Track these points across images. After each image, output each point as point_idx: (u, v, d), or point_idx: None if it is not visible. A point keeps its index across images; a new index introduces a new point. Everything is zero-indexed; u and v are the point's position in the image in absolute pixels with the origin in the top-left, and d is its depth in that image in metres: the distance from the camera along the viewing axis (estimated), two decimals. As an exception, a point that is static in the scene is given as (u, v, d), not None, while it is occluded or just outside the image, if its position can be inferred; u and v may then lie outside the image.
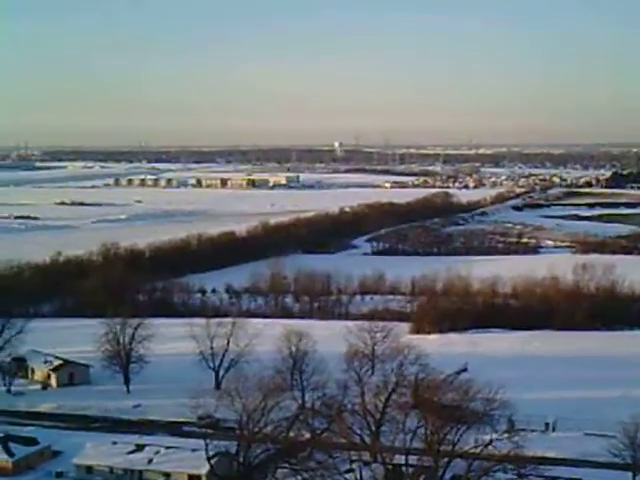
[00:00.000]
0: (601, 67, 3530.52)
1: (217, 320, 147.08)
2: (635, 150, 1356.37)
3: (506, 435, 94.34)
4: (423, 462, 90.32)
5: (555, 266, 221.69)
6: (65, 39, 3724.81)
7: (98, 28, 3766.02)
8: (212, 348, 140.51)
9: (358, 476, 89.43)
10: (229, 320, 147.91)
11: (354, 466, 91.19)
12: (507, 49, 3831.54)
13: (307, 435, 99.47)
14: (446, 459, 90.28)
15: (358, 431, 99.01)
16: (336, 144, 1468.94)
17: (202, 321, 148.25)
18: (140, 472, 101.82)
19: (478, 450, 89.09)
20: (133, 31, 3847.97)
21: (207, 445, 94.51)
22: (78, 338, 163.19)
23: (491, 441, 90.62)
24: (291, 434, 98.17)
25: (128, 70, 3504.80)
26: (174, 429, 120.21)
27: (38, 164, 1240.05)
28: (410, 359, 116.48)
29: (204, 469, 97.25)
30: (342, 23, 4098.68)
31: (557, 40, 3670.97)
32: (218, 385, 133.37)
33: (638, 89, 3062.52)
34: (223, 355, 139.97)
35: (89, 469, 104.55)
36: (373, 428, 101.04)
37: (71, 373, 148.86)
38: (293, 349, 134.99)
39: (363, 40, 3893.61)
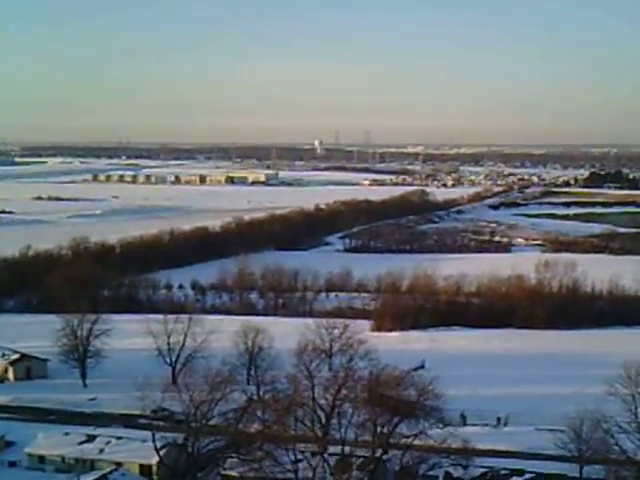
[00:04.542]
0: (586, 69, 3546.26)
1: (174, 316, 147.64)
2: (615, 151, 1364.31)
3: (440, 426, 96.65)
4: (371, 453, 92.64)
5: (522, 265, 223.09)
6: (44, 38, 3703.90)
7: (76, 27, 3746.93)
8: (169, 344, 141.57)
9: (305, 467, 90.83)
10: (186, 316, 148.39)
11: (301, 457, 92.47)
12: (489, 50, 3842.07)
13: (257, 427, 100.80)
14: (396, 450, 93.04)
15: (308, 424, 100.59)
16: (316, 142, 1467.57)
17: (160, 317, 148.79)
18: (92, 462, 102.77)
19: (409, 441, 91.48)
20: (112, 30, 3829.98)
21: (154, 436, 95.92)
22: (39, 333, 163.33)
23: (421, 431, 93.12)
24: (240, 426, 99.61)
25: (109, 68, 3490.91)
26: (128, 422, 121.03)
27: (17, 159, 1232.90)
28: (359, 354, 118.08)
29: (154, 459, 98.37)
30: (324, 23, 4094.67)
31: (543, 41, 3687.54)
32: (174, 380, 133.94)
33: (620, 92, 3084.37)
34: (180, 350, 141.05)
35: (41, 459, 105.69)
36: (323, 421, 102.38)
37: (28, 367, 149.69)
38: (249, 344, 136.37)
39: (345, 40, 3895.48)
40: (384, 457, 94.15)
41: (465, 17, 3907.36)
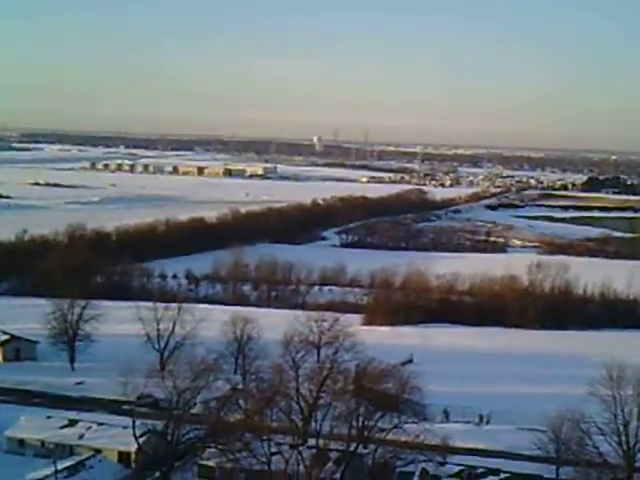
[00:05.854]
0: (587, 76, 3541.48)
1: (164, 304, 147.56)
2: (614, 157, 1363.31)
3: (415, 420, 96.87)
4: (346, 447, 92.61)
5: (516, 266, 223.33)
6: (46, 26, 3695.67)
7: (78, 15, 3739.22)
8: (158, 330, 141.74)
9: (284, 459, 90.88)
10: (176, 304, 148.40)
11: (277, 449, 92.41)
12: (490, 53, 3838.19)
13: (238, 417, 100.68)
14: (373, 445, 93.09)
15: (289, 415, 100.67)
16: (315, 138, 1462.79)
17: (151, 304, 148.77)
18: (71, 447, 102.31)
19: (384, 435, 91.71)
20: (115, 19, 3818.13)
21: (134, 423, 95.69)
22: (30, 316, 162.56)
23: (396, 426, 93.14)
24: (222, 416, 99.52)
25: (111, 57, 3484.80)
26: (113, 407, 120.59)
27: (15, 145, 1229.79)
28: (345, 347, 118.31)
29: (134, 446, 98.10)
30: (325, 22, 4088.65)
31: (545, 46, 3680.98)
32: (162, 366, 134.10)
33: (621, 100, 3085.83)
34: (168, 337, 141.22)
35: (21, 442, 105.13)
36: (306, 413, 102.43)
37: (17, 348, 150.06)
38: (238, 333, 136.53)
39: (347, 38, 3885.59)
40: (361, 451, 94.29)
41: (466, 19, 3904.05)
